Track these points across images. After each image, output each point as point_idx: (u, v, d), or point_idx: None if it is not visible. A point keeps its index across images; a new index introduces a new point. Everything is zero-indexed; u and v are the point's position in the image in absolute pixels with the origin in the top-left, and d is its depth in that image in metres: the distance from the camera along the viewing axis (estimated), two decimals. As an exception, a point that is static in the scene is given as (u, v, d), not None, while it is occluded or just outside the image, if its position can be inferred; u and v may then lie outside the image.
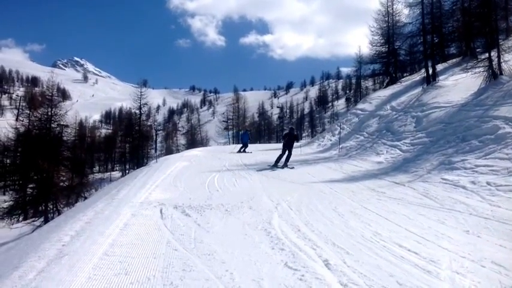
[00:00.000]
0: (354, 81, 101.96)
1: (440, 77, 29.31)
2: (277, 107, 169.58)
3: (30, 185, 38.69)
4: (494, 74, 20.42)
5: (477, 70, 21.28)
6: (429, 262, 6.31)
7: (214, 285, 5.70)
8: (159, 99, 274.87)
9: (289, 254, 6.96)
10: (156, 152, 35.77)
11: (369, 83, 59.14)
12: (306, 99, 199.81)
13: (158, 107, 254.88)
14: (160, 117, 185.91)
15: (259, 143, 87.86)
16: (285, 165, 20.94)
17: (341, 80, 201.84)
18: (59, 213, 31.57)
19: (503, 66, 20.47)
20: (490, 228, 8.21)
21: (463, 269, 5.95)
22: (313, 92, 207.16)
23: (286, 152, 21.43)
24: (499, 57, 20.62)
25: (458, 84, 24.39)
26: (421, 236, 7.80)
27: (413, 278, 5.64)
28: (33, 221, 33.50)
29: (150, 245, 7.90)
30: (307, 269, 6.16)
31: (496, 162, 13.30)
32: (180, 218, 10.27)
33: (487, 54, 21.22)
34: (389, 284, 5.45)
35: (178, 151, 77.17)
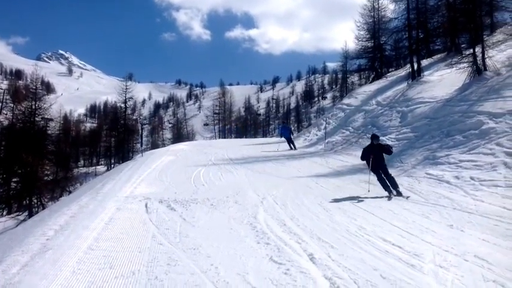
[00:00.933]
0: (340, 76, 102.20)
1: (426, 73, 29.44)
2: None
3: (14, 179, 38.28)
4: (478, 70, 20.57)
5: (462, 66, 21.41)
6: (413, 256, 6.35)
7: (199, 279, 5.70)
8: (145, 93, 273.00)
9: (275, 248, 6.97)
10: (141, 146, 35.59)
11: (354, 78, 59.15)
12: (293, 94, 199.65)
13: (144, 101, 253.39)
14: (146, 111, 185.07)
15: (245, 137, 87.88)
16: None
17: (327, 75, 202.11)
18: (44, 208, 31.32)
19: (488, 62, 20.62)
20: (473, 223, 8.29)
21: (446, 263, 6.01)
22: (300, 86, 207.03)
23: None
24: (483, 53, 20.77)
25: (443, 80, 24.52)
26: (405, 230, 7.86)
27: (397, 272, 5.68)
28: (18, 215, 33.14)
29: (135, 239, 7.88)
30: (292, 263, 6.18)
31: (480, 157, 13.42)
32: (166, 212, 10.26)
33: (471, 50, 21.35)
34: (373, 278, 5.48)
35: (164, 145, 76.86)
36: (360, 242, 7.21)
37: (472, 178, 11.96)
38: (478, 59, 20.77)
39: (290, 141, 28.12)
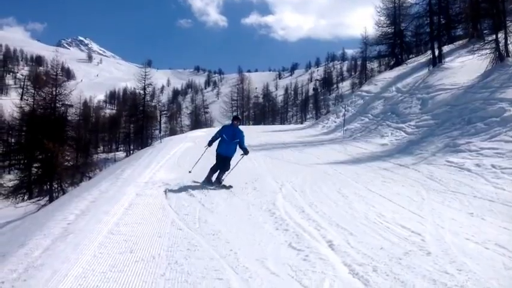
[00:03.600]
0: (359, 62, 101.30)
1: (447, 59, 29.10)
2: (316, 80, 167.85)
3: (35, 164, 38.79)
4: (501, 56, 20.27)
5: (483, 52, 21.11)
6: (432, 244, 6.31)
7: (219, 264, 5.72)
8: (163, 80, 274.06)
9: (293, 235, 6.97)
10: (160, 132, 35.83)
11: (374, 65, 58.70)
12: (311, 81, 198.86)
13: (162, 88, 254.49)
14: (164, 98, 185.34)
15: (264, 124, 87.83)
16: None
17: (346, 62, 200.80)
18: (64, 193, 31.70)
19: (510, 48, 20.30)
20: (494, 211, 8.21)
21: (466, 251, 5.95)
22: (318, 73, 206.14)
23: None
24: (506, 39, 20.42)
25: (465, 66, 24.22)
26: (424, 218, 7.80)
27: (417, 259, 5.65)
28: (38, 200, 33.61)
29: (155, 225, 7.94)
30: (311, 250, 6.17)
31: (501, 145, 13.27)
32: (185, 198, 10.31)
33: (494, 36, 21.03)
34: (393, 265, 5.46)
35: (182, 132, 77.27)
36: (379, 229, 7.17)
37: (493, 166, 11.82)
38: (500, 45, 20.45)
39: (223, 168, 12.29)
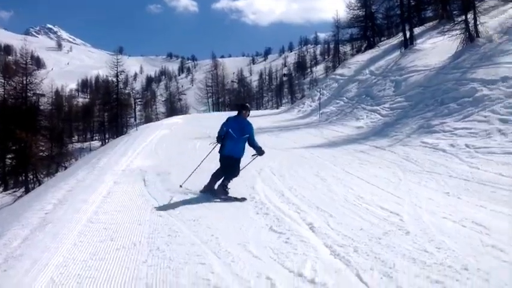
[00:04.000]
0: (332, 46, 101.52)
1: (418, 41, 29.35)
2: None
3: (9, 155, 38.23)
4: (470, 37, 20.51)
5: (454, 33, 21.33)
6: (411, 223, 6.41)
7: (200, 249, 5.73)
8: (136, 67, 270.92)
9: (274, 218, 7.02)
10: (135, 120, 35.56)
11: (347, 48, 58.88)
12: (285, 65, 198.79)
13: (135, 75, 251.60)
14: (138, 86, 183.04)
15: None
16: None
17: (319, 46, 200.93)
18: (40, 183, 31.35)
19: (480, 28, 20.55)
20: (469, 190, 8.37)
21: (444, 230, 6.07)
22: (292, 57, 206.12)
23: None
24: (475, 19, 20.67)
25: (436, 48, 24.47)
26: (402, 198, 7.92)
27: (397, 239, 5.74)
28: (14, 191, 33.19)
29: (135, 212, 7.92)
30: (292, 232, 6.22)
31: (474, 124, 13.48)
32: (164, 185, 10.28)
33: (463, 17, 21.24)
34: (374, 245, 5.54)
35: (157, 119, 76.62)
36: (358, 210, 7.26)
37: (467, 146, 12.02)
38: (470, 25, 20.68)
39: (231, 174, 9.29)
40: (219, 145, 9.23)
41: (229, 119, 9.23)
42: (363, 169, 11.15)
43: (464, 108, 14.97)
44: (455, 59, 19.80)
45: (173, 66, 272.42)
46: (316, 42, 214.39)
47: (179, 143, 18.69)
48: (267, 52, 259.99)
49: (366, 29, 45.46)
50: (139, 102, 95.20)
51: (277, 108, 78.45)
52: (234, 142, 8.96)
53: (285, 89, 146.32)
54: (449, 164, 10.76)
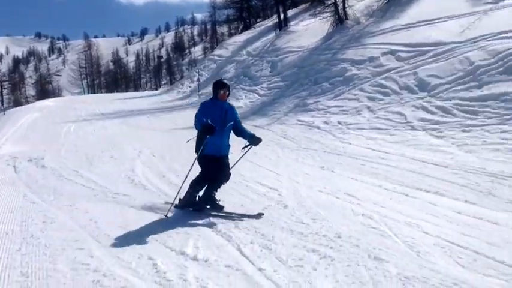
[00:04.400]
0: (209, 27, 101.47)
1: (292, 23, 30.32)
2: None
3: None
4: (340, 19, 21.64)
5: (325, 15, 22.38)
6: (289, 197, 6.74)
7: (79, 235, 5.55)
8: (1, 48, 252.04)
9: (155, 200, 7.02)
10: (2, 104, 33.29)
11: (224, 29, 59.23)
12: (163, 46, 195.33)
13: (1, 56, 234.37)
14: (4, 67, 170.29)
15: (116, 92, 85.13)
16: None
17: (196, 26, 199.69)
18: None
19: (348, 11, 21.76)
20: (342, 164, 8.96)
21: (319, 202, 6.46)
22: (170, 38, 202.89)
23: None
24: (343, 2, 21.88)
25: (309, 29, 25.45)
26: (280, 174, 8.29)
27: (275, 213, 6.01)
28: None
29: (5, 200, 7.47)
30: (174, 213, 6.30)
31: (345, 102, 14.35)
32: (36, 171, 9.80)
33: (333, 0, 22.27)
34: (253, 220, 5.74)
35: (28, 103, 72.21)
36: (238, 187, 7.49)
37: (339, 122, 12.80)
38: (339, 8, 21.77)
39: (220, 179, 6.67)
40: (194, 143, 6.74)
41: (204, 106, 6.59)
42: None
43: (336, 87, 15.83)
44: (327, 40, 20.77)
45: (42, 47, 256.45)
46: (193, 22, 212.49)
47: (53, 127, 17.84)
48: (144, 32, 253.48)
49: (241, 10, 45.93)
50: (6, 85, 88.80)
51: (157, 90, 77.27)
52: (217, 136, 6.35)
53: (163, 70, 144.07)
54: (323, 140, 11.39)
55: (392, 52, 15.53)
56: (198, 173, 6.66)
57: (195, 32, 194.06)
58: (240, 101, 21.06)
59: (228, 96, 6.64)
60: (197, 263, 4.51)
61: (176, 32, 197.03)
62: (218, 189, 6.58)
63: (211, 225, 5.67)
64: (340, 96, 15.08)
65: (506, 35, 12.51)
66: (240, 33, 41.88)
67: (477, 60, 12.08)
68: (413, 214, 4.90)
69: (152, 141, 12.91)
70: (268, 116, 16.18)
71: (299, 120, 14.30)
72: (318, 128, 12.93)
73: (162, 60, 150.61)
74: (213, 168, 6.45)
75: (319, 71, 18.02)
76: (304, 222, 5.55)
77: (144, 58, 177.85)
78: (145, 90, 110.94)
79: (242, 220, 5.82)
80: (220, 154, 6.57)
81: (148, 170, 9.41)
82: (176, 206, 6.51)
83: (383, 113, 12.54)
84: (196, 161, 6.60)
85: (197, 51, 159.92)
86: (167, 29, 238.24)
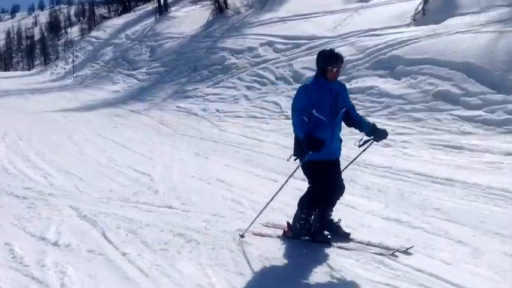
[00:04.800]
0: (87, 7, 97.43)
1: (172, 8, 29.87)
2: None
3: None
4: (220, 8, 21.76)
5: (205, 3, 22.40)
6: (160, 183, 6.62)
7: None
8: None
9: (18, 184, 6.57)
10: None
11: (103, 11, 57.10)
12: (36, 25, 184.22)
13: None
14: None
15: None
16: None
17: (73, 6, 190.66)
18: None
19: (228, 0, 21.94)
20: (217, 150, 9.01)
21: (191, 187, 6.42)
22: (44, 17, 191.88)
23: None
24: (223, -9, 22.00)
25: (189, 16, 25.24)
26: (155, 160, 8.14)
27: (144, 198, 5.88)
28: None
29: None
30: (36, 197, 5.91)
31: (224, 90, 14.47)
32: None
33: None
34: (121, 210, 5.57)
35: None
36: (109, 173, 7.26)
37: (217, 110, 12.89)
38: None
39: (335, 192, 4.67)
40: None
41: (305, 91, 4.39)
42: (118, 132, 11.13)
43: (215, 76, 15.90)
44: (207, 28, 20.78)
45: None
46: (69, 2, 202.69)
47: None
48: (15, 9, 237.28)
49: (121, -8, 44.59)
50: None
51: (29, 70, 72.86)
52: (327, 131, 4.37)
53: (37, 50, 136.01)
54: (200, 127, 11.40)
55: (270, 43, 15.88)
56: (307, 189, 4.60)
57: (72, 12, 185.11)
58: (117, 84, 20.50)
59: (338, 75, 4.43)
60: (58, 248, 4.33)
61: (51, 11, 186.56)
62: (333, 208, 4.73)
63: (76, 209, 5.41)
64: (218, 84, 15.16)
65: (374, 32, 13.30)
66: (119, 16, 40.62)
67: (347, 55, 12.60)
68: (281, 199, 5.00)
69: (19, 124, 12.11)
70: (146, 101, 15.86)
71: (177, 107, 14.18)
72: (196, 114, 12.92)
73: (35, 39, 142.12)
74: (326, 177, 4.43)
75: (198, 58, 17.97)
76: (173, 207, 5.50)
77: (15, 36, 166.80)
78: (17, 70, 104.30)
79: (383, 255, 4.06)
80: (331, 157, 4.48)
81: (12, 153, 8.82)
82: (281, 236, 4.60)
83: (259, 102, 12.81)
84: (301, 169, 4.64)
85: (74, 32, 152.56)
86: (41, 7, 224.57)
